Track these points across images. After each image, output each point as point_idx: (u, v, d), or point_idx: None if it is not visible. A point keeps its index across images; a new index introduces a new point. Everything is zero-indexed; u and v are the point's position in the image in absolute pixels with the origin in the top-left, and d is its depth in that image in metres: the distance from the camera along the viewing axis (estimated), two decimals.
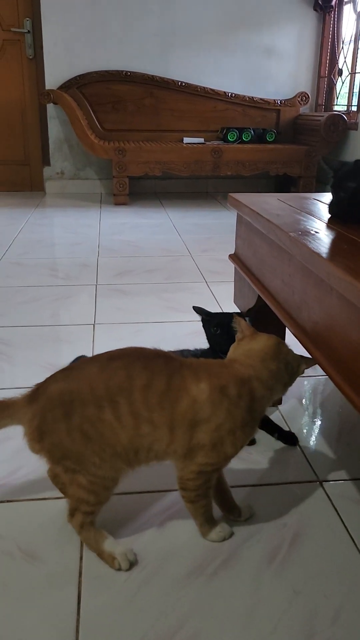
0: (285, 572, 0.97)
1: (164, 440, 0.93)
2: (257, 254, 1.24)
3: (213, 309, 2.17)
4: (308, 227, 1.04)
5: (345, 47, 4.35)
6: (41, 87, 4.38)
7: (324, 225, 1.08)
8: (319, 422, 1.44)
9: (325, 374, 0.97)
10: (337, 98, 4.48)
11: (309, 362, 1.00)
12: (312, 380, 1.64)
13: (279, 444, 1.33)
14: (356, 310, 0.75)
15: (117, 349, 0.97)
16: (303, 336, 0.96)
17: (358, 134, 3.97)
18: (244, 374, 0.96)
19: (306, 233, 0.98)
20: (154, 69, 4.39)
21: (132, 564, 0.97)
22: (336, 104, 4.50)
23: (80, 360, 0.98)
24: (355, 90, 4.15)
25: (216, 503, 1.07)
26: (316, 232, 0.99)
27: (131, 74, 4.34)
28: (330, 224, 1.09)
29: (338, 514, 1.10)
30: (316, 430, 1.40)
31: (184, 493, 1.00)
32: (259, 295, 1.24)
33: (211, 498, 1.02)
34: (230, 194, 1.39)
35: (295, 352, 1.01)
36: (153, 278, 2.55)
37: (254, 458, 1.28)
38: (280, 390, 1.01)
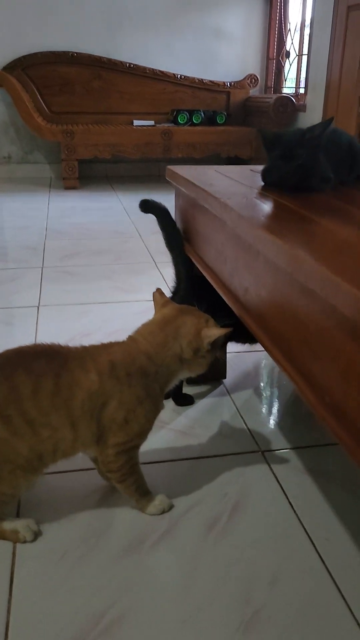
0: (224, 541, 0.96)
1: (68, 438, 0.90)
2: (193, 226, 1.22)
3: (162, 289, 2.16)
4: (240, 194, 1.03)
5: (292, 29, 4.35)
6: None
7: (257, 192, 1.06)
8: (262, 395, 1.44)
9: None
10: (286, 80, 4.50)
11: (214, 332, 0.94)
12: (255, 355, 1.64)
13: (223, 418, 1.32)
14: (281, 272, 0.74)
15: None
16: (236, 304, 0.95)
17: (306, 116, 4.00)
18: (133, 351, 0.94)
19: (237, 199, 0.97)
20: (102, 50, 4.30)
21: (36, 534, 0.96)
22: (285, 87, 4.52)
23: None
24: (303, 72, 4.16)
25: (97, 469, 1.07)
26: (246, 198, 0.98)
27: (78, 55, 4.24)
28: (264, 192, 1.08)
29: (278, 482, 1.11)
30: (259, 403, 1.40)
31: (110, 475, 0.98)
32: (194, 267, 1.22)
33: (140, 473, 1.00)
34: (169, 166, 1.37)
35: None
36: (101, 260, 2.51)
37: (196, 432, 1.27)
38: (180, 366, 0.97)
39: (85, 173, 4.45)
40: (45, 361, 0.91)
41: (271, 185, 1.10)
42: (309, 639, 0.79)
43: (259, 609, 0.83)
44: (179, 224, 1.33)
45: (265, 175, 1.12)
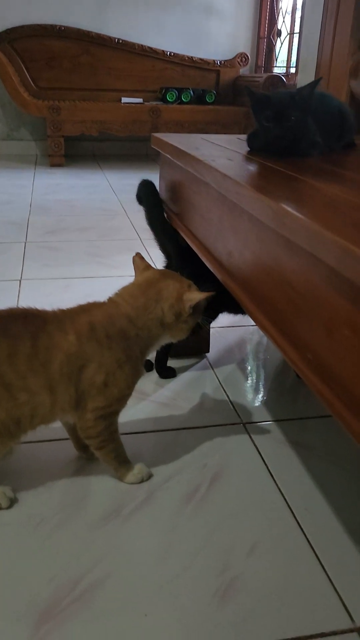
0: (203, 510, 0.95)
1: (46, 403, 0.88)
2: (178, 193, 1.20)
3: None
4: (225, 157, 1.00)
5: (284, 8, 4.29)
6: None
7: (242, 155, 1.04)
8: (245, 369, 1.43)
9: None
10: (277, 60, 4.44)
11: (195, 295, 0.92)
12: (239, 330, 1.62)
13: (205, 391, 1.31)
14: (265, 230, 0.72)
15: None
16: (220, 269, 0.93)
17: None
18: (113, 313, 0.92)
19: (222, 161, 0.94)
20: (90, 25, 4.21)
21: (12, 501, 0.94)
22: (276, 66, 4.46)
23: None
24: (294, 52, 4.11)
25: (72, 440, 1.05)
26: (232, 160, 0.95)
27: (66, 29, 4.15)
28: (250, 155, 1.05)
29: (259, 453, 1.09)
30: (242, 377, 1.39)
31: (89, 441, 0.96)
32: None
33: (119, 441, 0.98)
34: (154, 134, 1.33)
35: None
36: (86, 236, 2.47)
37: (178, 404, 1.25)
38: (161, 330, 0.95)
39: (72, 151, 4.38)
40: (22, 323, 0.88)
41: (258, 150, 1.07)
42: (286, 606, 0.78)
43: (236, 577, 0.82)
44: (163, 194, 1.30)
45: (251, 139, 1.09)
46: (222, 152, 1.06)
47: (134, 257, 1.02)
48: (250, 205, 0.72)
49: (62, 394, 0.89)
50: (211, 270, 0.96)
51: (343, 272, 0.50)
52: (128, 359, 0.91)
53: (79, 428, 0.95)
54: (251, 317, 0.80)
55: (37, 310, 0.92)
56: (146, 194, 1.27)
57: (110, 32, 4.25)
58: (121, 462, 0.99)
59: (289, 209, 0.60)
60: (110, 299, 0.96)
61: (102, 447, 0.96)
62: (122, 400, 0.94)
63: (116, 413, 0.96)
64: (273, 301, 0.72)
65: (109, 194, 3.28)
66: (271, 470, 1.05)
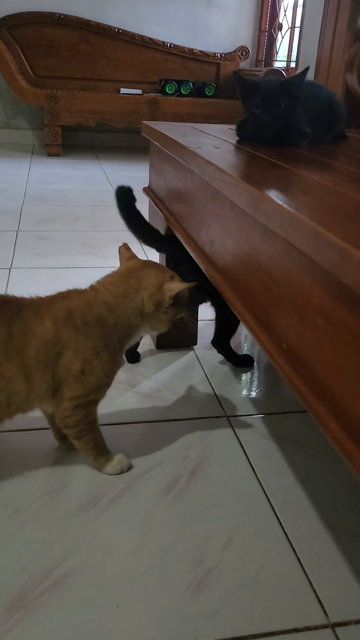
0: (181, 502, 0.94)
1: (22, 390, 0.87)
2: (166, 182, 1.18)
3: (140, 256, 2.11)
4: (212, 144, 0.98)
5: (285, 1, 4.26)
6: None
7: (229, 144, 1.02)
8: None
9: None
10: (277, 54, 4.41)
11: (176, 285, 0.90)
12: None
13: (191, 383, 1.29)
14: (244, 217, 0.70)
15: None
16: (202, 258, 0.91)
17: None
18: (92, 300, 0.90)
19: (207, 148, 0.92)
20: (90, 14, 4.17)
21: None
22: (276, 60, 4.43)
23: None
24: (295, 46, 4.08)
25: (52, 430, 1.04)
26: (217, 148, 0.93)
27: (65, 17, 4.11)
28: (238, 144, 1.03)
29: (242, 446, 1.08)
30: (228, 370, 1.37)
31: (67, 431, 0.95)
32: (168, 226, 1.18)
33: (98, 431, 0.97)
34: (145, 122, 1.32)
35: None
36: (78, 226, 2.45)
37: (163, 395, 1.24)
38: (141, 321, 0.93)
39: (70, 141, 4.35)
40: None
41: (246, 139, 1.06)
42: (260, 600, 0.77)
43: (211, 569, 0.81)
44: (152, 183, 1.28)
45: (240, 128, 1.07)
46: (210, 140, 1.04)
47: (120, 247, 1.00)
48: (230, 191, 0.70)
49: (39, 381, 0.87)
50: (194, 258, 0.95)
51: (315, 258, 0.48)
52: (106, 347, 0.90)
53: (57, 417, 0.93)
54: (230, 305, 0.78)
55: (13, 296, 0.90)
56: (123, 205, 1.24)
57: (110, 21, 4.21)
58: (100, 453, 0.98)
59: (265, 193, 0.59)
60: (91, 286, 0.95)
61: (80, 436, 0.95)
62: (99, 389, 0.93)
63: (94, 402, 0.94)
64: (250, 289, 0.70)
65: (104, 185, 3.25)
66: (252, 464, 1.03)
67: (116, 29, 4.21)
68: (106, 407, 1.16)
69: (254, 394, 1.28)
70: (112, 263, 2.06)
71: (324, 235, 0.46)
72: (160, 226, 1.26)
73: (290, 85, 0.97)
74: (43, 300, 0.91)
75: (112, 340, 0.91)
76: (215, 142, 1.03)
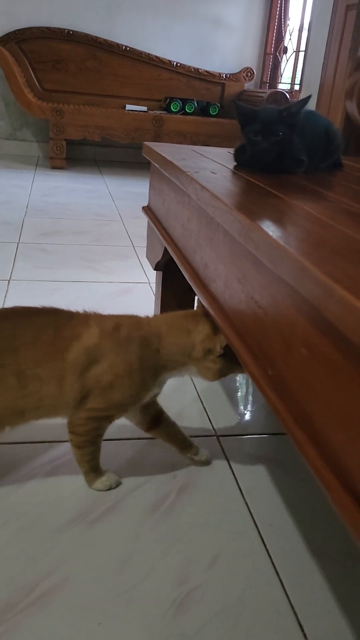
0: (168, 521, 0.95)
1: (53, 395, 0.89)
2: (165, 203, 1.20)
3: (138, 271, 2.13)
4: (209, 169, 1.01)
5: (291, 26, 4.33)
6: None
7: (226, 169, 1.04)
8: (224, 381, 1.43)
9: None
10: (282, 76, 4.48)
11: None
12: None
13: (183, 402, 1.31)
14: (236, 244, 0.72)
15: (3, 308, 0.94)
16: (196, 281, 0.93)
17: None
18: (143, 323, 0.93)
19: (205, 173, 0.95)
20: (98, 30, 4.24)
21: None
22: (281, 82, 4.50)
23: None
24: (299, 68, 4.15)
25: (170, 444, 1.07)
26: (214, 173, 0.96)
27: (74, 33, 4.18)
28: (236, 170, 1.06)
29: (230, 467, 1.09)
30: (220, 390, 1.39)
31: (72, 437, 0.96)
32: (165, 248, 1.20)
33: (99, 447, 0.99)
34: (146, 142, 1.34)
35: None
36: (79, 240, 2.47)
37: None
38: (185, 360, 0.94)
39: (74, 155, 4.40)
40: (52, 315, 0.91)
41: (243, 165, 1.08)
42: (243, 619, 0.78)
43: (194, 589, 0.82)
44: (151, 203, 1.30)
45: (238, 154, 1.10)
46: (208, 165, 1.07)
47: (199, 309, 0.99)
48: (223, 219, 0.72)
49: (70, 387, 0.89)
50: (188, 280, 0.97)
51: (299, 291, 0.50)
52: (140, 368, 0.91)
53: (68, 422, 0.95)
54: (220, 329, 0.80)
55: (67, 310, 0.95)
56: None
57: (118, 38, 4.28)
58: (92, 467, 0.99)
59: (256, 223, 0.61)
60: (146, 315, 0.97)
61: (82, 447, 0.96)
62: (121, 407, 0.94)
63: (110, 419, 0.95)
64: (239, 315, 0.72)
65: (106, 200, 3.29)
66: (240, 484, 1.04)
67: (124, 47, 4.28)
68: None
69: (245, 414, 1.29)
70: (110, 278, 2.10)
71: (308, 269, 0.48)
72: (158, 246, 1.28)
73: (289, 113, 1.00)
74: (93, 314, 0.94)
75: (149, 364, 0.92)
76: (213, 167, 1.05)
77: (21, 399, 0.88)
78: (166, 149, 1.24)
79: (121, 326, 0.91)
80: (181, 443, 1.07)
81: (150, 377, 0.94)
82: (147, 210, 1.37)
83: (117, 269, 2.14)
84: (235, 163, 1.12)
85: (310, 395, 0.53)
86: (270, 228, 0.60)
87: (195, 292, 0.93)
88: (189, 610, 0.79)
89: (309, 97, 1.05)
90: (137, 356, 0.91)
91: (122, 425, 1.19)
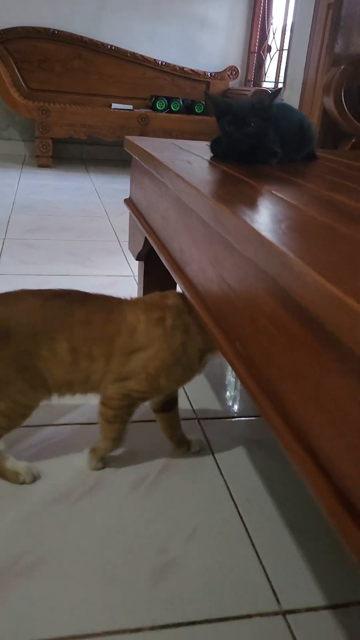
0: (148, 498, 0.98)
1: (100, 371, 0.94)
2: (145, 195, 1.24)
3: (123, 265, 2.17)
4: (186, 160, 1.04)
5: (275, 25, 4.39)
6: None
7: (203, 160, 1.08)
8: (207, 368, 1.47)
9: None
10: (266, 75, 4.53)
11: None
12: None
13: None
14: (208, 228, 0.76)
15: (59, 289, 0.99)
16: (172, 265, 0.97)
17: None
18: (180, 306, 0.96)
19: (181, 164, 0.99)
20: (84, 30, 4.26)
21: (35, 478, 0.99)
22: (265, 80, 4.55)
23: (20, 290, 0.98)
24: (283, 67, 4.20)
25: (167, 435, 1.10)
26: (190, 163, 1.00)
27: (59, 33, 4.20)
28: (212, 161, 1.10)
29: (210, 447, 1.13)
30: (204, 372, 1.42)
31: (104, 410, 0.99)
32: (146, 238, 1.24)
33: (127, 425, 1.02)
34: (127, 137, 1.38)
35: None
36: (65, 235, 2.50)
37: None
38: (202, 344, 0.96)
39: (61, 154, 4.42)
40: (103, 299, 0.97)
41: (219, 156, 1.12)
42: (217, 588, 0.82)
43: (173, 559, 0.86)
44: (132, 195, 1.34)
45: (214, 145, 1.14)
46: (185, 156, 1.11)
47: None
48: (195, 204, 0.76)
49: (115, 365, 0.93)
50: (166, 266, 1.00)
51: (259, 264, 0.54)
52: (184, 355, 0.94)
53: (103, 395, 0.98)
54: (194, 308, 0.84)
55: (117, 297, 1.00)
56: None
57: (104, 38, 4.31)
58: (110, 448, 1.03)
59: (223, 206, 0.65)
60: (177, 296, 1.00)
61: (112, 422, 1.00)
62: (161, 391, 0.98)
63: (146, 399, 1.00)
64: (212, 295, 0.76)
65: (93, 197, 3.32)
66: (219, 463, 1.08)
67: (109, 46, 4.30)
68: (89, 405, 1.20)
69: (227, 397, 1.33)
70: (96, 272, 2.13)
71: (267, 243, 0.52)
72: (139, 236, 1.32)
73: (261, 105, 1.04)
74: (141, 298, 1.00)
75: (192, 348, 0.95)
76: (190, 158, 1.09)
77: (72, 372, 0.93)
78: (147, 142, 1.28)
79: (166, 316, 0.94)
80: (178, 438, 1.10)
81: (197, 361, 0.98)
82: (129, 202, 1.40)
83: (103, 263, 2.17)
84: (211, 154, 1.16)
85: (272, 364, 0.57)
86: (236, 210, 0.64)
87: (173, 276, 0.97)
88: (169, 579, 0.82)
89: (280, 89, 1.09)
90: (182, 345, 0.94)
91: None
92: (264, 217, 0.63)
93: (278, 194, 0.78)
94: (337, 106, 1.64)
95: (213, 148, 1.15)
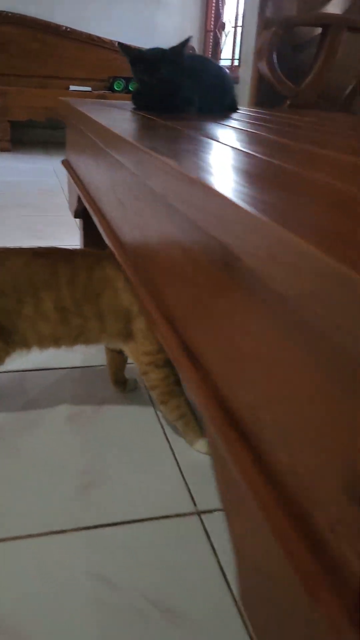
0: (84, 431, 1.04)
1: (96, 329, 0.96)
2: (78, 152, 1.29)
3: (77, 237, 2.21)
4: (110, 111, 1.10)
5: (228, 1, 4.42)
6: None
7: (125, 111, 1.14)
8: None
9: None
10: (221, 52, 4.57)
11: None
12: None
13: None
14: (129, 174, 0.79)
15: (40, 247, 0.99)
16: (99, 216, 1.02)
17: (239, 87, 4.08)
18: None
19: (105, 114, 1.04)
20: (38, 12, 4.26)
21: None
22: (222, 58, 4.59)
23: (2, 248, 0.98)
24: (238, 44, 4.24)
25: (109, 372, 1.15)
26: (113, 113, 1.05)
27: (13, 16, 4.19)
28: (134, 112, 1.15)
29: (149, 395, 1.20)
30: None
31: (152, 394, 1.00)
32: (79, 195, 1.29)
33: (185, 401, 0.98)
34: (61, 98, 1.43)
35: None
36: (23, 212, 2.54)
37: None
38: None
39: (22, 138, 4.42)
40: (81, 256, 0.97)
41: (140, 108, 1.17)
42: (137, 491, 0.88)
43: (98, 473, 0.93)
44: (68, 156, 1.39)
45: (135, 98, 1.19)
46: (109, 111, 1.16)
47: None
48: (115, 149, 0.80)
49: (111, 324, 0.96)
50: (94, 220, 1.05)
51: (167, 199, 0.57)
52: None
53: (139, 371, 0.99)
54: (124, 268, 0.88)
55: (94, 250, 1.02)
56: None
57: (59, 20, 4.31)
58: (188, 425, 0.99)
59: (134, 142, 0.69)
60: None
61: (164, 401, 0.98)
62: None
63: (164, 358, 0.95)
64: (130, 242, 0.80)
65: (52, 178, 3.34)
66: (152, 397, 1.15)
67: (64, 28, 4.31)
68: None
69: None
70: (54, 243, 2.15)
71: (171, 168, 0.54)
72: (74, 195, 1.37)
73: (172, 53, 1.10)
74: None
75: None
76: (113, 111, 1.14)
77: (62, 329, 0.95)
78: (77, 102, 1.33)
79: None
80: (119, 377, 1.16)
81: None
82: (66, 163, 1.45)
83: (59, 235, 2.22)
84: (133, 106, 1.21)
85: (178, 301, 0.60)
86: (148, 146, 0.66)
87: (93, 219, 1.02)
88: (96, 489, 0.89)
89: (190, 37, 1.15)
90: None
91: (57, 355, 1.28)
92: (160, 145, 0.67)
93: (198, 134, 0.83)
94: (270, 69, 1.70)
95: (134, 100, 1.21)
